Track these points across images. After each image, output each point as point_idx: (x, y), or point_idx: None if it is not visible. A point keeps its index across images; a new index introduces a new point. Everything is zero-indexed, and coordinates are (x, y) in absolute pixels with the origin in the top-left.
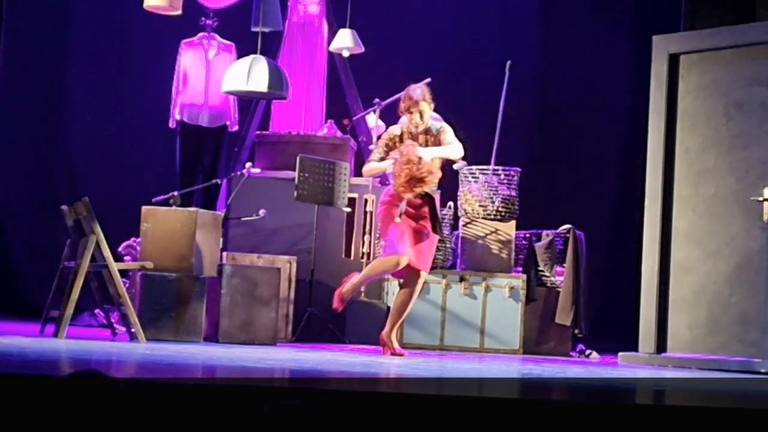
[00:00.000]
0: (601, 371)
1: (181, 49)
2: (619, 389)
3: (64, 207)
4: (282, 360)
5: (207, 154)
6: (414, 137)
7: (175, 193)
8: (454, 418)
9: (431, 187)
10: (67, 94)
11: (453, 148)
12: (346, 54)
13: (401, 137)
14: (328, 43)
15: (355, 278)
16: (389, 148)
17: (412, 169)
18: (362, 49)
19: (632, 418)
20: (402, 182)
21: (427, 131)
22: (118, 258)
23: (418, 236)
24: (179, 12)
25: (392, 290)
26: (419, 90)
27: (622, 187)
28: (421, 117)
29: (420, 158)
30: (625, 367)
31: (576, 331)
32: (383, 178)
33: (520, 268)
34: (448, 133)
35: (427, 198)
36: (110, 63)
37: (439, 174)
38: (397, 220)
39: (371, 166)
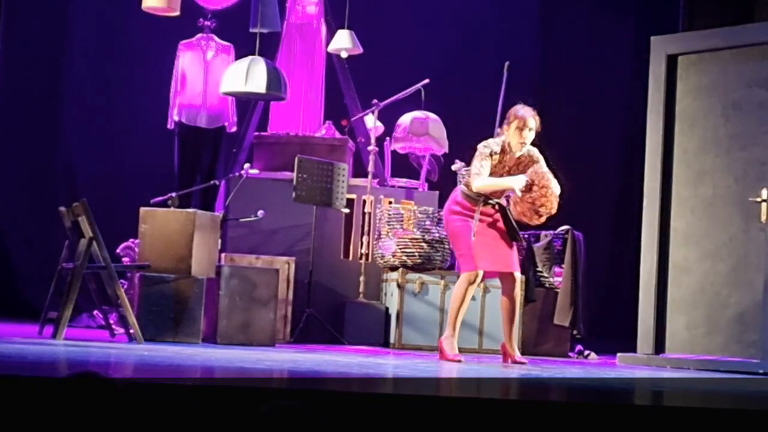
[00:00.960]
0: (600, 372)
1: (180, 50)
2: (618, 390)
3: (62, 208)
4: (280, 361)
5: (205, 155)
6: (512, 157)
7: (174, 194)
8: (453, 419)
9: (536, 222)
10: (65, 96)
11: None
12: (344, 55)
13: (502, 154)
14: (327, 44)
15: (450, 318)
16: (494, 163)
17: (544, 199)
18: (360, 50)
19: (630, 418)
20: (526, 208)
21: (527, 153)
22: (116, 259)
23: (497, 242)
24: (177, 13)
25: (391, 291)
26: (528, 108)
27: (621, 187)
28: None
29: (554, 192)
30: (623, 368)
31: (574, 332)
32: (381, 179)
33: (519, 269)
34: (543, 161)
35: (500, 208)
36: (108, 64)
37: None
38: (473, 238)
39: (491, 182)
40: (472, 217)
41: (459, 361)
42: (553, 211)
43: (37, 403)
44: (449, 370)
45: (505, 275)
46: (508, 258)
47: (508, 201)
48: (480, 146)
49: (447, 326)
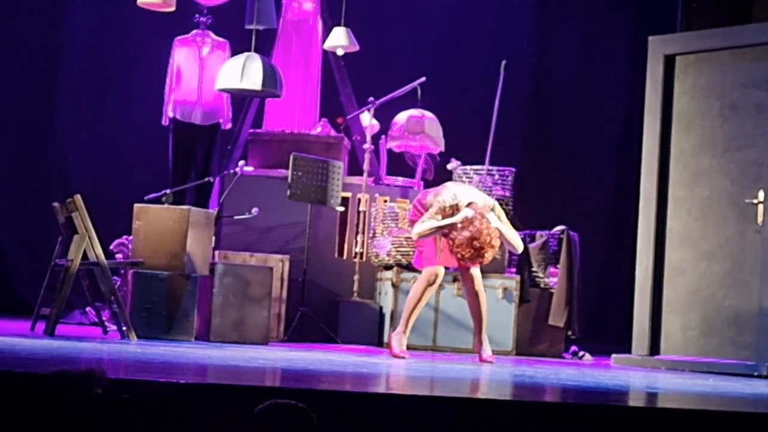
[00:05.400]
0: (594, 373)
1: (175, 46)
2: (612, 391)
3: (55, 204)
4: (274, 360)
5: (200, 151)
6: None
7: (168, 191)
8: (446, 419)
9: (484, 261)
10: (59, 91)
11: (516, 235)
12: (340, 52)
13: (454, 207)
14: (323, 42)
15: (404, 315)
16: (444, 215)
17: (484, 235)
18: (357, 48)
19: (625, 420)
20: (466, 241)
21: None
22: (109, 256)
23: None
24: (173, 9)
25: (385, 290)
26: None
27: (617, 188)
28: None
29: (495, 230)
30: (618, 369)
31: (569, 333)
32: (376, 178)
33: (514, 269)
34: (503, 213)
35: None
36: (104, 59)
37: (496, 252)
38: (440, 256)
39: (430, 224)
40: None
41: (403, 357)
42: (488, 252)
43: (29, 398)
44: (443, 370)
45: (462, 272)
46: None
47: (452, 242)
48: (437, 199)
49: (400, 323)
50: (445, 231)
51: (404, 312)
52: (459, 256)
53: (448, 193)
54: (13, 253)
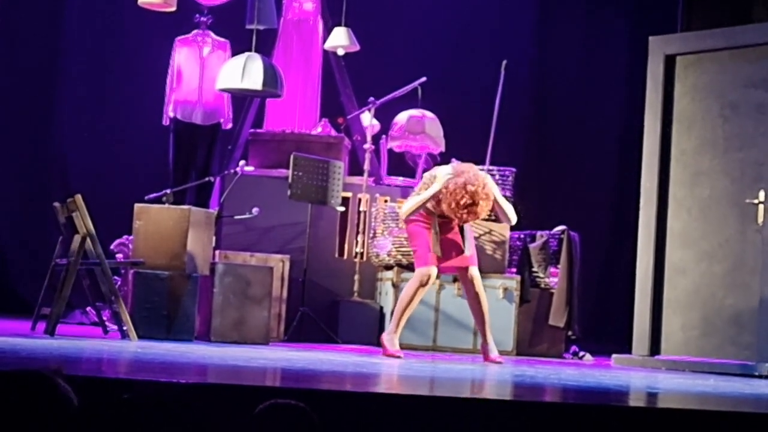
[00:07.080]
0: (595, 373)
1: (176, 46)
2: (612, 391)
3: (56, 204)
4: (274, 359)
5: (200, 151)
6: None
7: (168, 191)
8: (447, 419)
9: (477, 218)
10: (60, 91)
11: (511, 207)
12: (341, 52)
13: (434, 177)
14: (323, 41)
15: (395, 315)
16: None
17: (480, 180)
18: (357, 48)
19: (625, 420)
20: (460, 186)
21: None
22: (110, 255)
23: (451, 239)
24: (173, 8)
25: (385, 290)
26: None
27: (617, 188)
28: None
29: (485, 184)
30: (618, 370)
31: (569, 333)
32: (377, 178)
33: (514, 269)
34: (495, 185)
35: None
36: (104, 59)
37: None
38: (437, 251)
39: (415, 200)
40: (430, 226)
41: (399, 356)
42: (482, 202)
43: (29, 398)
44: (443, 370)
45: (461, 272)
46: (462, 254)
47: (445, 191)
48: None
49: (391, 323)
50: (437, 198)
51: (395, 312)
52: (453, 206)
53: (433, 170)
54: (14, 252)
